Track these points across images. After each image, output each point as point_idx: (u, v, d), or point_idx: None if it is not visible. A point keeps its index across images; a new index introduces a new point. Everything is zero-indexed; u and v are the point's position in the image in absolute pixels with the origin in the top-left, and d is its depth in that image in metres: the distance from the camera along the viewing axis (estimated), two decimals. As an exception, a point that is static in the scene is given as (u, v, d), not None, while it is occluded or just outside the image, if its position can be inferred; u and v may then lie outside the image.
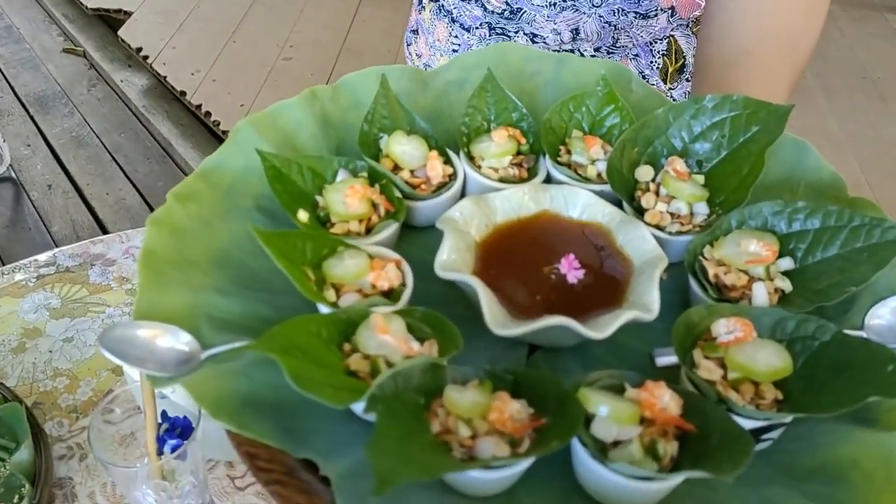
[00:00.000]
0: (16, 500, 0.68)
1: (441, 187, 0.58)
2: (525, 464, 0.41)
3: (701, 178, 0.57)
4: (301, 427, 0.44)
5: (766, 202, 0.53)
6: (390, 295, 0.49)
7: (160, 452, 0.60)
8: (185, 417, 0.63)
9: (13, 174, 2.31)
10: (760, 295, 0.49)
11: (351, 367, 0.44)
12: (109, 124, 2.59)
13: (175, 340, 0.45)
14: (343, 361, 0.44)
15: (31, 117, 2.59)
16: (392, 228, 0.54)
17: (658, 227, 0.55)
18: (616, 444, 0.41)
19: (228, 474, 0.75)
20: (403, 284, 0.50)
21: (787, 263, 0.51)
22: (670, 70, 0.93)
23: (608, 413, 0.41)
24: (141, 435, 0.66)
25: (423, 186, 0.57)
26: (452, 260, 0.50)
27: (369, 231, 0.54)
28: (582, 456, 0.41)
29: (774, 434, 0.44)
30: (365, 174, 0.57)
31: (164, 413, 0.62)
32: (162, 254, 0.49)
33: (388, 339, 0.44)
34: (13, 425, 0.73)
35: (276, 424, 0.43)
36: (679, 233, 0.55)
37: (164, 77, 2.76)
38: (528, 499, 0.43)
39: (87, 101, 2.69)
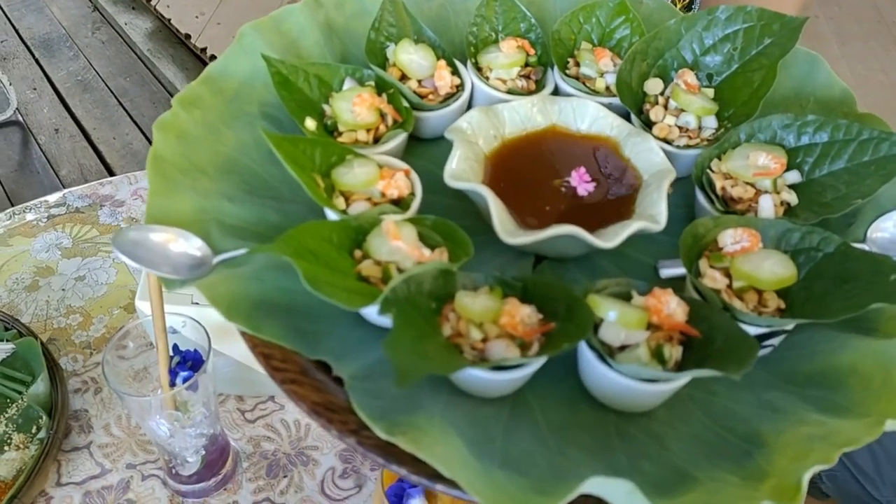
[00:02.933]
0: (34, 430, 0.70)
1: (448, 98, 0.57)
2: (534, 367, 0.42)
3: (711, 92, 0.57)
4: (313, 330, 0.44)
5: (776, 115, 0.52)
6: (399, 204, 0.49)
7: (172, 384, 0.61)
8: (195, 351, 0.64)
9: (20, 118, 2.26)
10: (767, 207, 0.50)
11: (363, 273, 0.44)
12: (115, 68, 2.53)
13: (187, 244, 0.45)
14: (354, 267, 0.44)
15: (37, 60, 2.52)
16: (400, 138, 0.54)
17: (666, 140, 0.55)
18: (623, 348, 0.42)
19: (238, 407, 0.76)
20: (412, 194, 0.50)
21: (794, 177, 0.52)
22: (678, 6, 0.91)
23: (616, 318, 0.42)
24: (154, 369, 0.67)
25: (430, 97, 0.57)
26: (462, 169, 0.50)
27: (377, 141, 0.54)
28: (589, 359, 0.42)
29: (775, 341, 0.45)
30: (372, 83, 0.56)
31: (175, 347, 0.63)
32: (170, 158, 0.49)
33: (400, 244, 0.44)
34: (29, 360, 0.73)
35: (290, 327, 0.43)
36: (687, 146, 0.55)
37: (169, 20, 2.68)
38: (535, 400, 0.44)
39: (92, 44, 2.62)
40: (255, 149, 0.53)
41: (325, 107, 0.54)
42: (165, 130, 0.50)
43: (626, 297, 0.44)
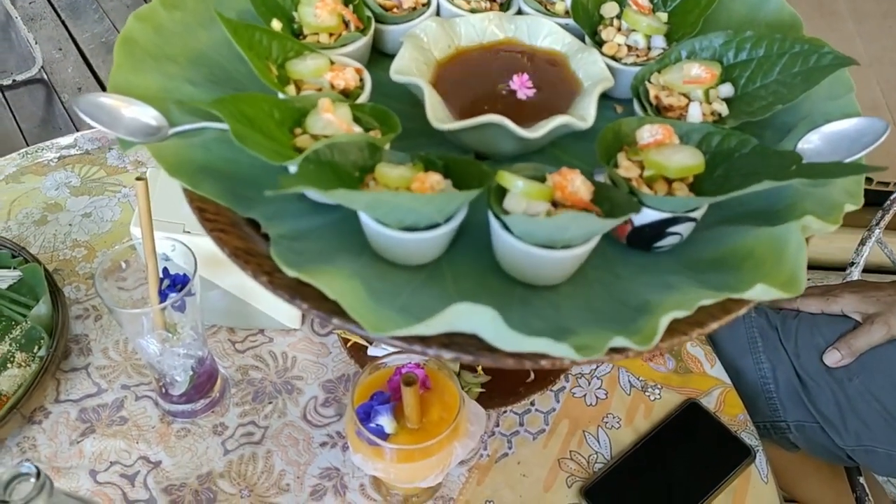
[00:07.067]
0: (35, 349, 0.76)
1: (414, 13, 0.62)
2: (445, 229, 0.45)
3: (664, 16, 0.60)
4: (251, 196, 0.50)
5: (716, 33, 0.56)
6: (348, 96, 0.54)
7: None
8: (184, 275, 0.69)
9: (45, 76, 2.42)
10: (694, 113, 0.53)
11: (297, 145, 0.49)
12: (138, 31, 2.67)
13: (145, 114, 0.51)
14: (292, 141, 0.49)
15: (63, 22, 2.68)
16: (359, 42, 0.59)
17: (615, 58, 0.58)
18: (526, 218, 0.45)
19: (230, 339, 0.82)
20: (361, 88, 0.54)
21: (726, 90, 0.55)
22: None
23: (521, 189, 0.45)
24: (152, 300, 0.72)
25: (395, 10, 0.62)
26: (408, 67, 0.55)
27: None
28: (494, 227, 0.46)
29: (681, 229, 0.48)
30: (341, -5, 0.61)
31: (165, 270, 0.68)
32: (142, 44, 0.55)
33: (331, 118, 0.49)
34: (34, 285, 0.82)
35: (228, 189, 0.49)
36: (634, 64, 0.58)
37: (192, -17, 2.80)
38: (450, 271, 0.48)
39: (117, 7, 2.76)
40: (227, 47, 0.58)
41: (296, 14, 0.59)
42: (143, 21, 0.56)
43: (541, 181, 0.47)
